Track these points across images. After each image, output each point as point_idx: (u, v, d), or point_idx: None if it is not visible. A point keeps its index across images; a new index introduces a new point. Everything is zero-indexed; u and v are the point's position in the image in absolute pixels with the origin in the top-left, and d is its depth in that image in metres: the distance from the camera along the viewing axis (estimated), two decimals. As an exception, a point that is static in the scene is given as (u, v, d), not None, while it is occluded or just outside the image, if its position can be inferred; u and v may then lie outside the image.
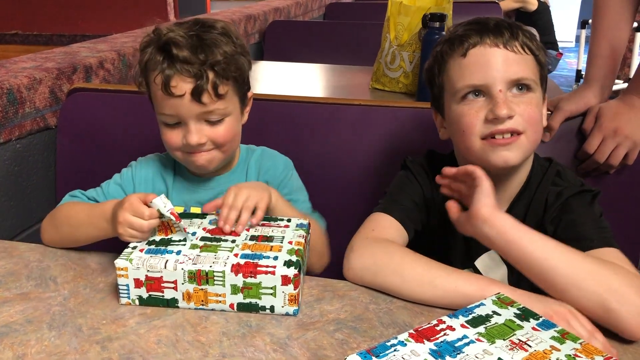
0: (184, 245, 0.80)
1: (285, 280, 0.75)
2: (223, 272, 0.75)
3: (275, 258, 0.77)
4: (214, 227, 0.86)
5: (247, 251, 0.79)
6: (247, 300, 0.76)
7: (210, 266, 0.75)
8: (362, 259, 0.84)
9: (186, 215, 0.90)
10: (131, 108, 1.34)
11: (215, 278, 0.75)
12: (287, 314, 0.77)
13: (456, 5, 1.84)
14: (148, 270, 0.76)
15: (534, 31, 0.96)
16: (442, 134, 0.97)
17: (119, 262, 0.77)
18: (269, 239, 0.83)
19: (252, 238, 0.83)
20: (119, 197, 1.04)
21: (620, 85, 4.09)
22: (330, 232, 1.02)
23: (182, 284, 0.76)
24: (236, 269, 0.75)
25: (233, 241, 0.82)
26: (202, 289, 0.76)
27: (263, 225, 0.87)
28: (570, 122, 1.14)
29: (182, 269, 0.76)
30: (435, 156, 1.02)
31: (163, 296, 0.77)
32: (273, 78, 1.99)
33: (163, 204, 0.81)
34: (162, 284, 0.76)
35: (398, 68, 1.75)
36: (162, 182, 1.05)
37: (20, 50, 2.73)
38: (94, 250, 0.93)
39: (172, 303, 0.77)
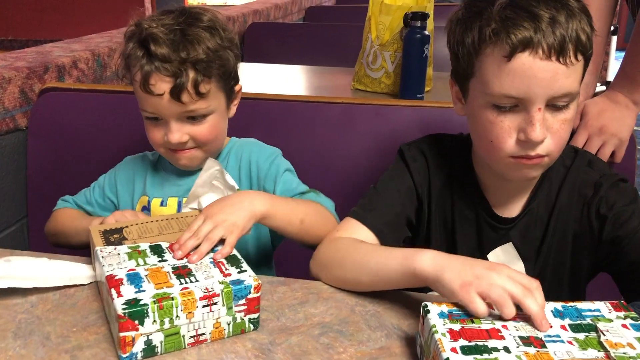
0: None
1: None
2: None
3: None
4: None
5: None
6: None
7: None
8: (319, 262, 0.83)
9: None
10: (106, 108, 1.30)
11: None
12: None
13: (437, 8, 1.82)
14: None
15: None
16: (457, 109, 0.87)
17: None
18: (188, 273, 0.71)
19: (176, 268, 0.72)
20: (102, 201, 1.06)
21: (598, 88, 4.13)
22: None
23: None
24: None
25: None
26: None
27: (219, 264, 0.74)
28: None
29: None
30: (443, 139, 0.94)
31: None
32: (253, 79, 1.96)
33: None
34: None
35: (380, 68, 1.72)
36: (142, 180, 1.03)
37: (-6, 55, 2.65)
38: (65, 254, 0.89)
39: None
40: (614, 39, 4.51)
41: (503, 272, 0.65)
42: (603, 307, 0.66)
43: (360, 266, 0.78)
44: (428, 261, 0.70)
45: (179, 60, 0.85)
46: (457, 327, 0.61)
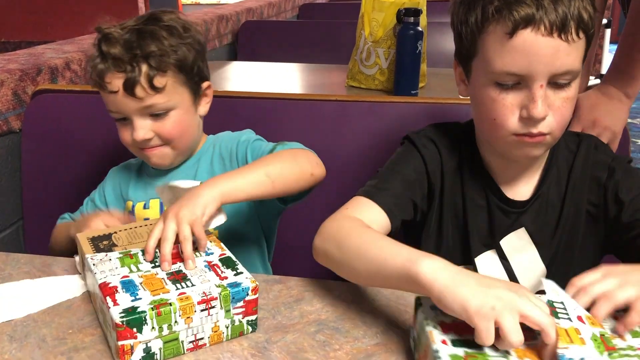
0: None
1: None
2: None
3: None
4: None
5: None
6: None
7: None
8: (322, 236, 0.78)
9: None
10: (99, 109, 1.27)
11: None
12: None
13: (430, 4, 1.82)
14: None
15: None
16: (461, 90, 0.88)
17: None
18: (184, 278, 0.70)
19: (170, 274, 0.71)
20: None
21: (592, 81, 4.13)
22: (309, 229, 0.99)
23: None
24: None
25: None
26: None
27: (214, 267, 0.72)
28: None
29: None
30: (447, 127, 0.93)
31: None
32: (246, 78, 1.95)
33: None
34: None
35: (374, 65, 1.72)
36: (127, 187, 1.05)
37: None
38: (60, 256, 0.88)
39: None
40: (608, 32, 4.51)
41: (525, 296, 0.58)
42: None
43: (358, 252, 0.72)
44: (438, 270, 0.61)
45: (131, 56, 0.88)
46: (448, 320, 0.61)
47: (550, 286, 0.65)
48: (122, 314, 0.62)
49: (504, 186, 0.88)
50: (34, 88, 1.31)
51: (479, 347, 0.57)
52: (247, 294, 0.69)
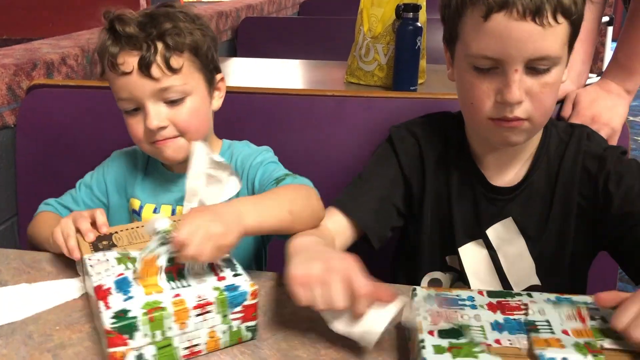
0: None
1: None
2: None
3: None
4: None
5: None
6: None
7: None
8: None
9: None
10: (95, 104, 1.28)
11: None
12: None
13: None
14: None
15: None
16: (449, 74, 0.87)
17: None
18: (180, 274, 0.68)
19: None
20: (90, 202, 1.01)
21: (593, 79, 4.11)
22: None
23: None
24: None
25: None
26: None
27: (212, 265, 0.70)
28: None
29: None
30: (434, 117, 0.94)
31: None
32: (246, 74, 1.94)
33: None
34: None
35: (373, 61, 1.71)
36: (133, 180, 0.99)
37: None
38: (50, 252, 0.87)
39: None
40: (610, 29, 4.48)
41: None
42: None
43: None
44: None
45: (146, 35, 0.84)
46: (439, 309, 0.61)
47: (536, 307, 0.63)
48: (113, 320, 0.59)
49: (490, 173, 0.88)
50: (29, 83, 1.30)
51: (466, 338, 0.57)
52: (246, 299, 0.66)
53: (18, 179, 1.29)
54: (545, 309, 0.62)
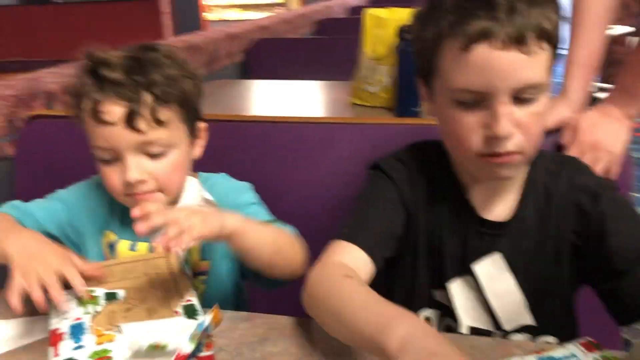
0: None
1: None
2: None
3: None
4: None
5: None
6: None
7: None
8: (308, 292, 0.74)
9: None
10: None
11: None
12: None
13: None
14: None
15: None
16: (426, 109, 0.83)
17: None
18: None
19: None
20: (57, 221, 0.95)
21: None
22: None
23: None
24: None
25: None
26: None
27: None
28: (551, 137, 1.06)
29: None
30: (420, 147, 0.89)
31: None
32: (255, 97, 1.94)
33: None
34: None
35: (377, 82, 1.69)
36: (109, 212, 0.93)
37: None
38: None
39: None
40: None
41: None
42: (576, 350, 0.62)
43: (337, 318, 0.67)
44: (407, 345, 0.55)
45: (134, 84, 0.79)
46: None
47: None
48: None
49: (479, 206, 0.83)
50: (29, 113, 1.31)
51: None
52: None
53: (17, 210, 1.29)
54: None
